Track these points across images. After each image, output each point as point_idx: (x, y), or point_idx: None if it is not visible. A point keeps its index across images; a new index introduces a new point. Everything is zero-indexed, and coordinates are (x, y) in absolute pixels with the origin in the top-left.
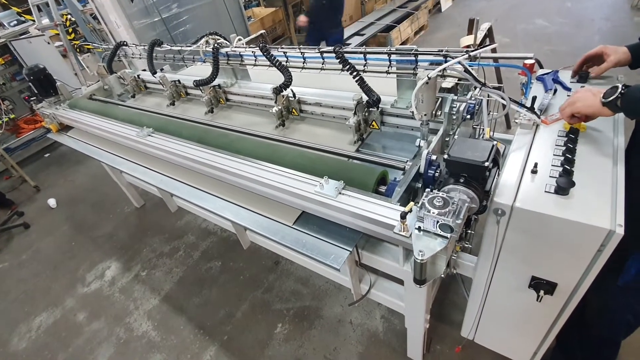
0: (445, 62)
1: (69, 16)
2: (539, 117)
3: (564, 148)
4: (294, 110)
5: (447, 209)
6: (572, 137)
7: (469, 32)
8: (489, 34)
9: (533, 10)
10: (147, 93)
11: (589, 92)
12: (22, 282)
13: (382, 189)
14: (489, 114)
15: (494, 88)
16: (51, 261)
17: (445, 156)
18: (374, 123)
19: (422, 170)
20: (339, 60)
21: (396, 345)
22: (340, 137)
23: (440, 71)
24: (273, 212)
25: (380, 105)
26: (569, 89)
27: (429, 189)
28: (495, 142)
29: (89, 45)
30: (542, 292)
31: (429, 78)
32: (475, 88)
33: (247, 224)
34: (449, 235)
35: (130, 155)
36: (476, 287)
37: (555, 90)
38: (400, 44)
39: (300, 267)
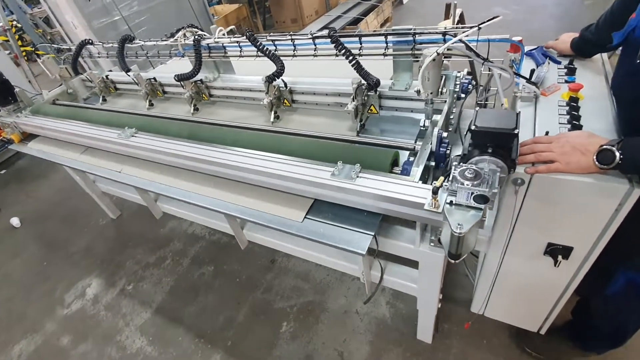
0: (444, 40)
1: (14, 22)
2: (538, 89)
3: (568, 116)
4: (285, 101)
5: (479, 180)
6: (574, 105)
7: (446, 17)
8: (461, 19)
9: None
10: (117, 95)
11: (575, 150)
12: None
13: (396, 170)
14: (488, 90)
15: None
16: (23, 285)
17: (473, 127)
18: (372, 107)
19: (433, 147)
20: (334, 44)
21: (404, 329)
22: (338, 124)
23: (447, 47)
24: (282, 205)
25: (377, 89)
26: (558, 62)
27: (444, 166)
28: (518, 111)
29: (39, 51)
30: (560, 257)
31: (438, 54)
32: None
33: (259, 221)
34: (483, 206)
35: (112, 161)
36: (489, 261)
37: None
38: None
39: (299, 262)
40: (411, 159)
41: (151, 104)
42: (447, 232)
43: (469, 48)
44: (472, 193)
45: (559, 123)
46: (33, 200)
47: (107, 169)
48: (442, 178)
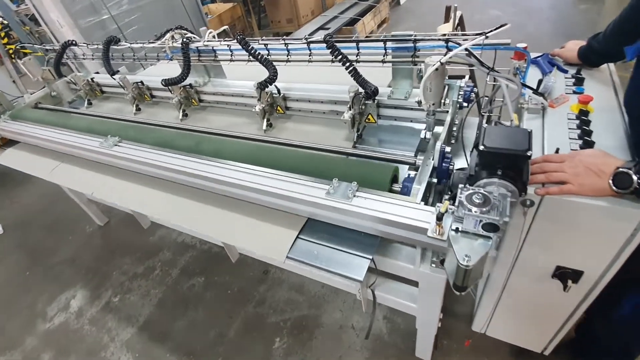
0: (447, 47)
1: (0, 19)
2: (546, 100)
3: (579, 131)
4: (279, 108)
5: (488, 207)
6: (584, 120)
7: (446, 20)
8: (461, 22)
9: (487, 1)
10: (104, 98)
11: (589, 171)
12: None
13: (396, 187)
14: (493, 101)
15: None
16: (3, 296)
17: (481, 147)
18: (370, 116)
19: (435, 163)
20: (330, 50)
21: (402, 345)
22: (333, 133)
23: (451, 56)
24: (272, 223)
25: (376, 98)
26: (565, 71)
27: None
28: (530, 129)
29: (26, 49)
30: (570, 282)
31: (441, 64)
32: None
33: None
34: (492, 235)
35: (94, 170)
36: (493, 281)
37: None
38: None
39: (293, 274)
40: (411, 174)
41: (138, 109)
42: (453, 261)
43: (473, 57)
44: (481, 220)
45: (569, 138)
46: (17, 206)
47: (79, 188)
48: (447, 202)
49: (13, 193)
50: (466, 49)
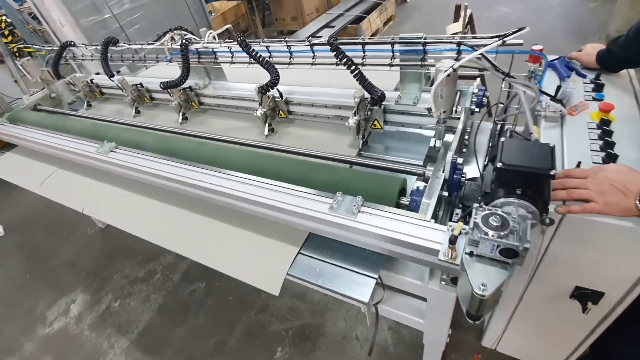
0: (459, 50)
1: (3, 17)
2: (565, 107)
3: (601, 142)
4: (281, 112)
5: (507, 230)
6: (606, 129)
7: (455, 20)
8: (470, 21)
9: None
10: (104, 100)
11: (614, 189)
12: None
13: (404, 200)
14: (507, 108)
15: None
16: (3, 299)
17: (499, 164)
18: (376, 122)
19: (446, 175)
20: (334, 53)
21: (408, 357)
22: (338, 139)
23: (466, 61)
24: (272, 237)
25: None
26: (584, 76)
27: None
28: (552, 144)
29: (29, 48)
30: (590, 304)
31: (454, 69)
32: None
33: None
34: (510, 261)
35: (91, 177)
36: (507, 297)
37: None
38: (370, 35)
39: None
40: (420, 186)
41: (137, 112)
42: (466, 287)
43: (488, 62)
44: (498, 245)
45: (591, 150)
46: (18, 207)
47: (69, 203)
48: (460, 224)
49: (14, 194)
50: (482, 55)
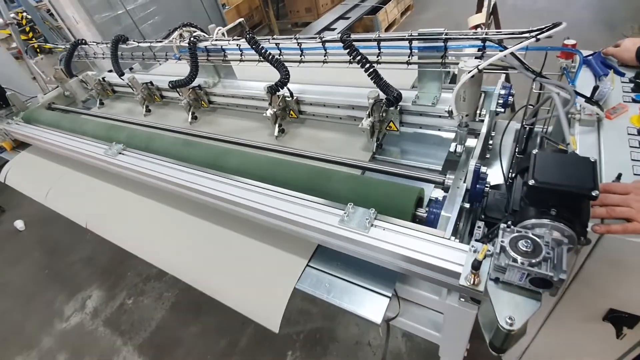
0: (484, 47)
1: (24, 14)
2: (602, 110)
3: None
4: (291, 112)
5: (539, 257)
6: None
7: (478, 10)
8: (494, 12)
9: None
10: (115, 98)
11: None
12: None
13: (421, 212)
14: (537, 112)
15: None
16: (23, 294)
17: (531, 182)
18: (391, 124)
19: (468, 185)
20: (348, 51)
21: None
22: (350, 142)
23: (494, 60)
24: (279, 247)
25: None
26: (622, 74)
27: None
28: (593, 158)
29: (47, 45)
30: (625, 329)
31: (479, 70)
32: None
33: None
34: (542, 291)
35: (102, 179)
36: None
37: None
38: (387, 27)
39: None
40: (439, 197)
41: (148, 110)
42: (490, 314)
43: (518, 60)
44: (529, 274)
45: (632, 160)
46: (38, 202)
47: (73, 217)
48: (485, 247)
49: None
50: (512, 54)
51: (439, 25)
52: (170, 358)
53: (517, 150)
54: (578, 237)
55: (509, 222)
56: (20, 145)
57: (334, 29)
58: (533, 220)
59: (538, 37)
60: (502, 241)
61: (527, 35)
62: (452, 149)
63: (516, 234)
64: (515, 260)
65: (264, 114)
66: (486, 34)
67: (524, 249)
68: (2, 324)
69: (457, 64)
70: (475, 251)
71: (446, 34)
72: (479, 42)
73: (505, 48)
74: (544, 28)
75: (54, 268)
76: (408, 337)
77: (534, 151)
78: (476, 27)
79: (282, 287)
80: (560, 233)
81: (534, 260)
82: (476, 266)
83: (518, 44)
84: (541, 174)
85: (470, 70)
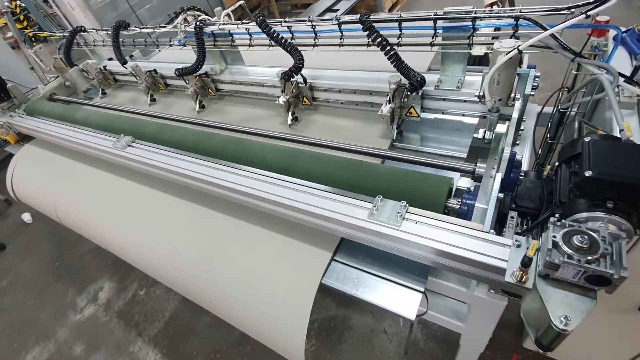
0: (517, 25)
1: (18, 2)
2: None
3: None
4: (305, 99)
5: (597, 254)
6: None
7: None
8: None
9: None
10: (118, 87)
11: None
12: (6, 312)
13: (452, 203)
14: (568, 95)
15: None
16: (35, 286)
17: (587, 173)
18: (412, 110)
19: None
20: (367, 33)
21: (439, 353)
22: (368, 129)
23: (536, 40)
24: (302, 240)
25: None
26: None
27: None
28: None
29: (43, 33)
30: None
31: (520, 51)
32: None
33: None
34: (597, 288)
35: (106, 170)
36: None
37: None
38: (390, 7)
39: None
40: (468, 185)
41: (153, 99)
42: (536, 310)
43: (558, 41)
44: (585, 271)
45: None
46: None
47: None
48: (535, 243)
49: None
50: (552, 35)
51: (444, 4)
52: (185, 348)
53: (548, 136)
54: (635, 230)
55: (556, 214)
56: (24, 138)
57: (336, 10)
58: (586, 214)
59: (588, 13)
60: (553, 236)
61: (566, 12)
62: (479, 135)
63: (569, 229)
64: (570, 257)
65: (277, 102)
66: (520, 12)
67: (579, 244)
68: (17, 315)
69: (486, 45)
70: (519, 246)
71: (475, 13)
72: (511, 21)
73: (541, 26)
74: (590, 3)
75: (64, 260)
76: (424, 324)
77: (587, 139)
78: (492, 4)
79: (307, 283)
80: (617, 227)
81: (591, 257)
82: (527, 263)
83: (563, 22)
84: (600, 164)
85: (509, 52)
